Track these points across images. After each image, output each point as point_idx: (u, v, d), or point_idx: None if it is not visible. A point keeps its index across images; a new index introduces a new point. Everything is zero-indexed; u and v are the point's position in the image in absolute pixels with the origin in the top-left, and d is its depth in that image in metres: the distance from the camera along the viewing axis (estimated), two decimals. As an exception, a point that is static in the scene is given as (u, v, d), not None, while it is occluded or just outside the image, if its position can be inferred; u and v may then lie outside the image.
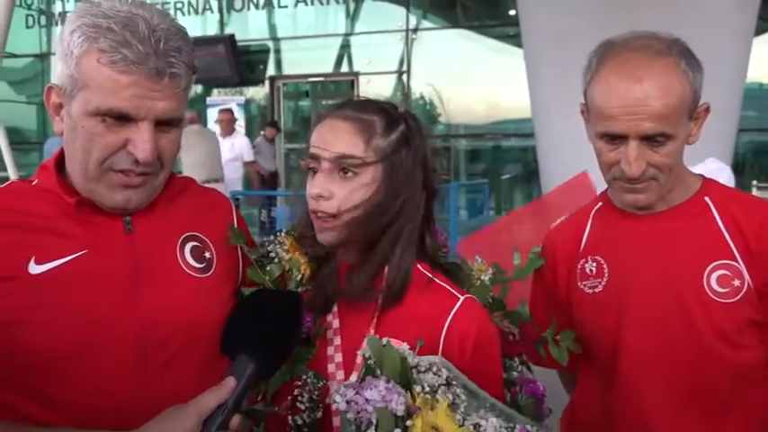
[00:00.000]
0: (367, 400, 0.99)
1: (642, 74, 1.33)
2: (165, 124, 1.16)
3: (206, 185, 1.47)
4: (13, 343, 1.10)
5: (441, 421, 1.02)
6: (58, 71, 1.15)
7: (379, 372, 1.05)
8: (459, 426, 1.03)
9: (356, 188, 1.23)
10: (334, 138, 1.23)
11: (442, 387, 1.06)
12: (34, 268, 1.12)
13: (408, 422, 0.99)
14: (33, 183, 1.22)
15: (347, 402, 1.01)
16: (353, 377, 1.21)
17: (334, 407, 1.06)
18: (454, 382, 1.08)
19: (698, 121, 1.43)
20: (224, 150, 8.61)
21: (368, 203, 1.24)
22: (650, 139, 1.34)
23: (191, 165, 8.02)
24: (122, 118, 1.11)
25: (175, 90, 1.13)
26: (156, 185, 1.20)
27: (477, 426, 1.04)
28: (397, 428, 0.98)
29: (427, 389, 1.04)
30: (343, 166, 1.22)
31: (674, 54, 1.36)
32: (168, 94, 1.12)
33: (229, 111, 9.95)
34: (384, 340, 1.09)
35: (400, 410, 0.99)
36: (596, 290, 1.49)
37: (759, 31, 6.08)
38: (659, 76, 1.33)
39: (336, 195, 1.23)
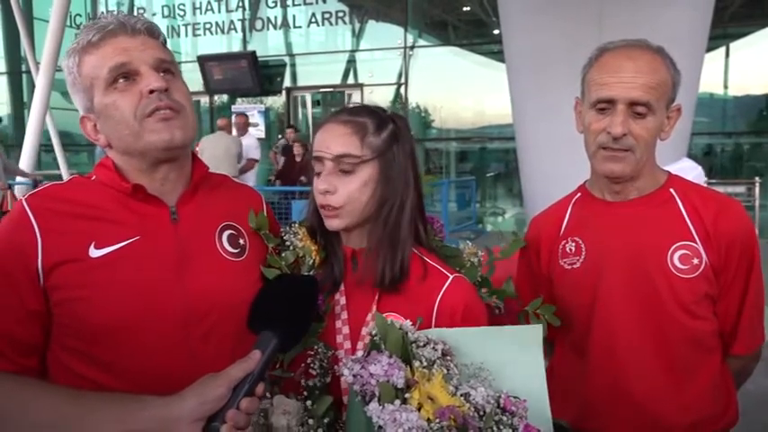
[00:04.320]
0: (371, 374, 0.98)
1: (635, 56, 1.38)
2: (164, 71, 1.18)
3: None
4: (78, 317, 1.11)
5: (436, 391, 1.00)
6: (78, 102, 1.21)
7: (383, 346, 1.04)
8: (452, 395, 1.01)
9: (356, 182, 1.22)
10: (333, 140, 1.22)
11: (438, 360, 1.04)
12: (94, 252, 1.12)
13: (407, 395, 0.98)
14: (92, 178, 1.23)
15: (354, 376, 1.00)
16: (360, 346, 1.21)
17: (342, 378, 1.04)
18: (449, 357, 1.07)
19: (670, 120, 1.44)
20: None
21: (368, 195, 1.23)
22: (635, 109, 1.36)
23: (209, 161, 8.11)
24: (127, 76, 1.15)
25: (155, 43, 1.19)
26: (189, 124, 1.20)
27: (467, 395, 1.02)
28: (398, 399, 0.97)
29: (425, 363, 1.03)
30: (343, 164, 1.22)
31: (661, 53, 1.41)
32: (150, 45, 1.17)
33: (244, 115, 9.91)
34: (389, 320, 1.08)
35: (400, 383, 0.98)
36: (574, 266, 1.49)
37: (709, 49, 6.06)
38: (649, 61, 1.38)
39: (340, 190, 1.22)
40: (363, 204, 1.23)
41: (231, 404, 0.99)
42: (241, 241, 1.27)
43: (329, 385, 1.21)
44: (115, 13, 1.19)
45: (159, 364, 1.13)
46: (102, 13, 1.22)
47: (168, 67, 1.19)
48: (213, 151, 8.27)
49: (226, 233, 1.25)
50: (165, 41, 1.23)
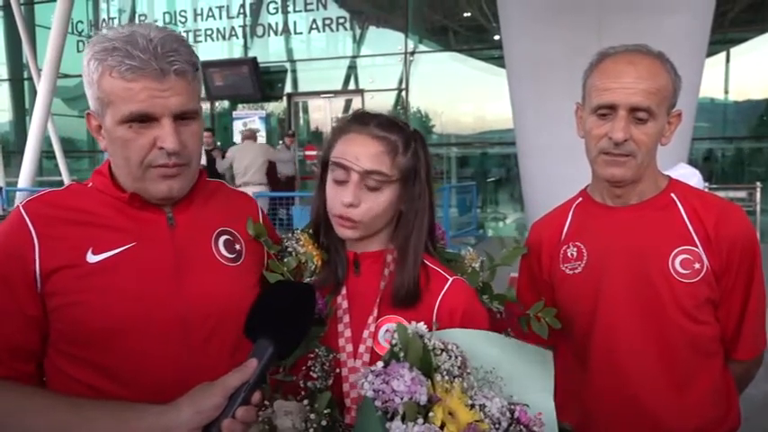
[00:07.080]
0: (394, 390, 0.96)
1: (636, 61, 1.39)
2: (183, 118, 1.15)
3: (245, 188, 1.47)
4: (76, 322, 1.11)
5: (455, 404, 0.99)
6: (89, 97, 1.17)
7: (402, 355, 1.02)
8: (470, 407, 0.99)
9: (379, 199, 1.23)
10: (365, 155, 1.22)
11: (458, 371, 1.02)
12: (92, 258, 1.13)
13: (431, 414, 0.96)
14: (89, 185, 1.23)
15: (374, 391, 0.97)
16: (362, 348, 1.22)
17: (362, 392, 1.02)
18: (468, 371, 1.04)
19: (671, 126, 1.45)
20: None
21: (388, 211, 1.25)
22: (636, 114, 1.36)
23: (241, 169, 8.23)
24: (145, 120, 1.12)
25: (183, 85, 1.13)
26: (190, 175, 1.21)
27: (482, 406, 1.01)
28: (419, 415, 0.94)
29: (446, 378, 1.01)
30: (370, 180, 1.22)
31: (662, 58, 1.42)
32: (177, 89, 1.12)
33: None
34: (409, 331, 1.05)
35: (423, 400, 0.96)
36: (576, 271, 1.49)
37: (709, 55, 6.07)
38: (650, 66, 1.38)
39: (362, 205, 1.22)
40: (380, 219, 1.25)
41: (227, 413, 0.99)
42: (237, 247, 1.27)
43: (330, 387, 1.21)
44: (146, 39, 1.10)
45: (158, 368, 1.13)
46: (136, 32, 1.09)
47: (191, 116, 1.17)
48: (241, 161, 8.40)
49: (222, 238, 1.26)
50: (198, 69, 1.18)
